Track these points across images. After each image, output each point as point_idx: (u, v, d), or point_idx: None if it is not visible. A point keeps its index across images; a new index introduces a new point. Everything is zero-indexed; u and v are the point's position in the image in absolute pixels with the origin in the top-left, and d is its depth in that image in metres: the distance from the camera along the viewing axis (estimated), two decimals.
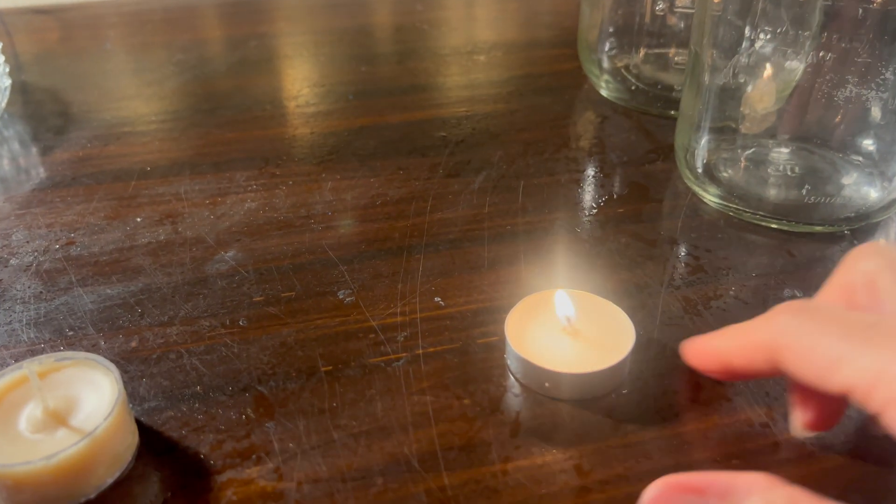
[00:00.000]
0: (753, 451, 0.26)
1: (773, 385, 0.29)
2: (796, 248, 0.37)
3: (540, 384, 0.29)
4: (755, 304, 0.34)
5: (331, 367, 0.30)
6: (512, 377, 0.30)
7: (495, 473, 0.26)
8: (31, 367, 0.26)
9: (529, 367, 0.28)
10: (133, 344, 0.32)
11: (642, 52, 0.52)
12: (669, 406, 0.28)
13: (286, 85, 0.58)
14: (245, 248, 0.38)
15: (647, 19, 0.50)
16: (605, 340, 0.30)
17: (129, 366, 0.31)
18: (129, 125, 0.51)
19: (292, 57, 0.64)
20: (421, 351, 0.31)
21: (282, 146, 0.47)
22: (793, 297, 0.34)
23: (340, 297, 0.34)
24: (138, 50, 0.65)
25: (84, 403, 0.26)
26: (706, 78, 0.39)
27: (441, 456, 0.26)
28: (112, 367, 0.27)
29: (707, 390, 0.29)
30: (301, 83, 0.58)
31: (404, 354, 0.31)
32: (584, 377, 0.28)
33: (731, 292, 0.34)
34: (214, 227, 0.39)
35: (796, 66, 0.37)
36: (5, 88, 0.51)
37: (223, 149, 0.47)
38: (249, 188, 0.43)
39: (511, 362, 0.30)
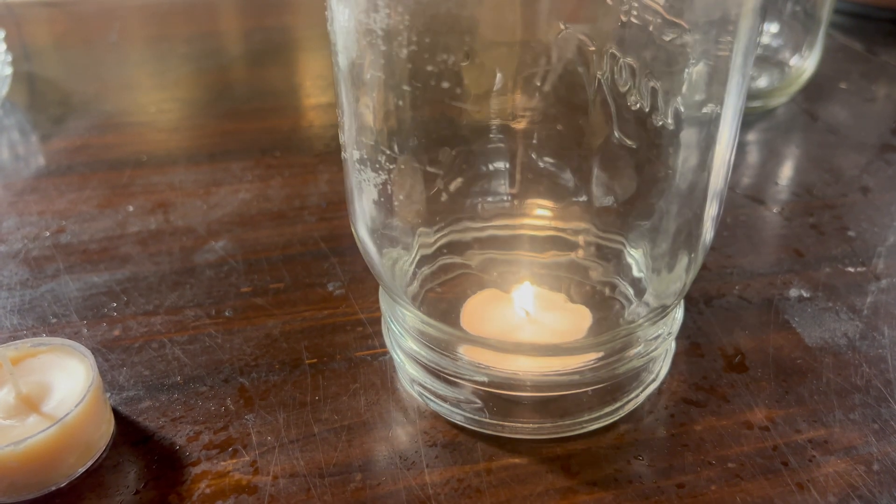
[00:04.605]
0: (751, 454, 0.25)
1: (775, 387, 0.28)
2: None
3: None
4: (759, 303, 0.32)
5: (315, 360, 0.29)
6: None
7: (479, 472, 0.25)
8: (4, 352, 0.26)
9: None
10: (116, 332, 0.31)
11: None
12: (664, 407, 0.27)
13: (287, 77, 0.57)
14: (236, 238, 0.37)
15: None
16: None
17: (111, 354, 0.30)
18: (128, 115, 0.50)
19: (295, 50, 0.63)
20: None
21: (279, 138, 0.47)
22: (799, 296, 0.33)
23: (330, 289, 0.33)
24: (143, 42, 0.65)
25: (57, 390, 0.25)
26: None
27: (424, 453, 0.25)
28: (88, 353, 0.26)
29: (705, 391, 0.28)
30: (302, 76, 0.57)
31: None
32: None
33: (735, 290, 0.33)
34: (206, 217, 0.39)
35: None
36: (6, 77, 0.50)
37: (220, 139, 0.47)
38: (244, 179, 0.42)
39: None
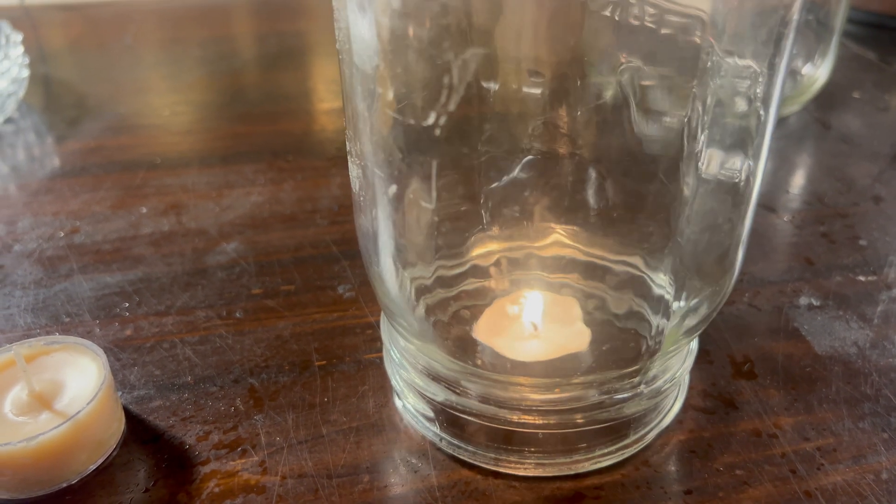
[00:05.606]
0: (759, 461, 0.25)
1: (784, 395, 0.28)
2: None
3: None
4: (769, 311, 0.32)
5: (325, 362, 0.30)
6: None
7: (486, 475, 0.25)
8: (18, 349, 0.26)
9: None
10: (128, 332, 0.31)
11: None
12: (673, 413, 0.27)
13: (300, 81, 0.57)
14: (247, 240, 0.37)
15: None
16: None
17: (122, 354, 0.30)
18: (142, 118, 0.51)
19: (309, 55, 0.64)
20: None
21: (292, 141, 0.47)
22: (809, 305, 0.33)
23: (340, 291, 0.34)
24: (157, 45, 0.65)
25: (70, 388, 0.26)
26: None
27: (431, 455, 0.26)
28: (100, 352, 0.26)
29: (714, 398, 0.28)
30: (315, 80, 0.57)
31: None
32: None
33: (745, 298, 0.33)
34: (218, 219, 0.39)
35: None
36: (23, 79, 0.51)
37: (233, 142, 0.47)
38: (257, 181, 0.42)
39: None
